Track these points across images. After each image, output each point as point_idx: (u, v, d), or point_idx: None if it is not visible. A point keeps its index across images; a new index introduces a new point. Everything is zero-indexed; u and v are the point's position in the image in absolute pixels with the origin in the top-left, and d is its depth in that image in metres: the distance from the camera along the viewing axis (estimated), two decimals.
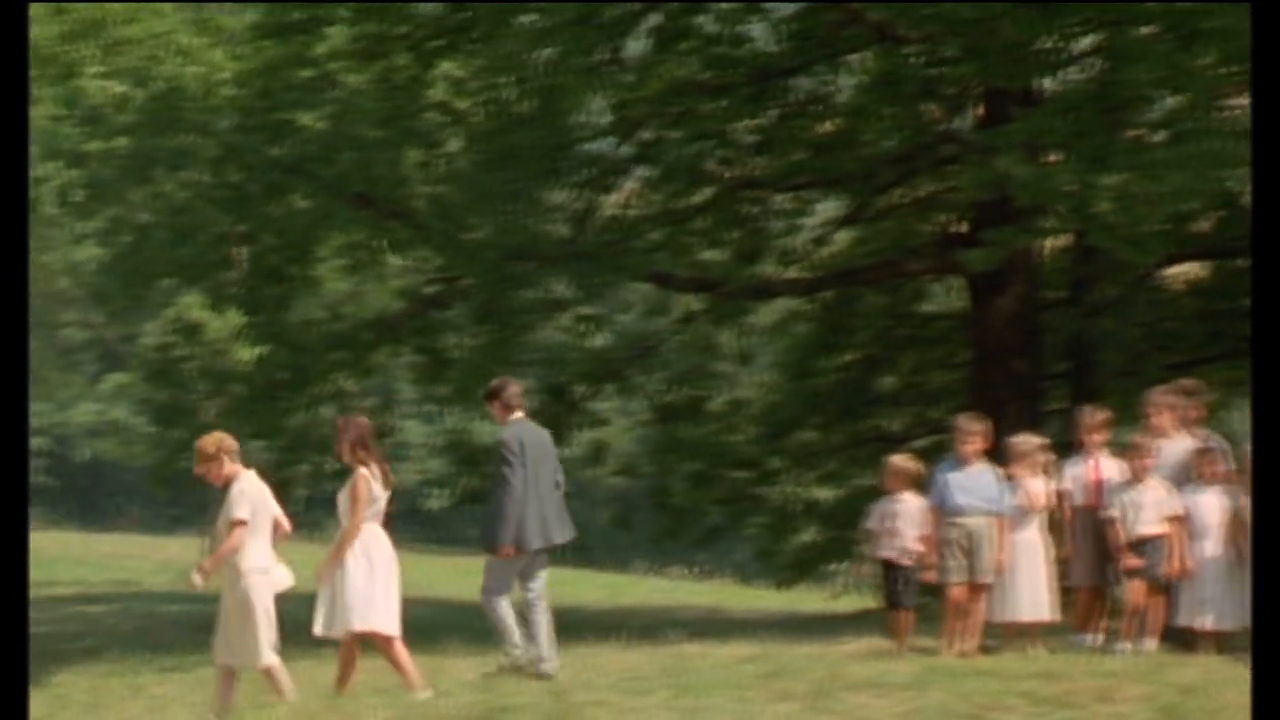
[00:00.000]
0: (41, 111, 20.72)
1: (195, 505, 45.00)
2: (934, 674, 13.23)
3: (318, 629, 13.87)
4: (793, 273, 24.65)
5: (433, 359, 23.18)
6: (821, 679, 13.33)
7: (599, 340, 25.25)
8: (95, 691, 17.47)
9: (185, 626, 23.74)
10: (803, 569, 26.52)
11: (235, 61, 21.27)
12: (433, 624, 22.37)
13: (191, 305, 24.66)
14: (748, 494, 25.85)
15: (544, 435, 14.69)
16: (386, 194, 21.57)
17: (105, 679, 18.18)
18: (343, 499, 13.81)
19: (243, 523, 13.43)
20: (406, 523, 64.74)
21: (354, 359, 22.70)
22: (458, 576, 47.12)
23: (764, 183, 23.74)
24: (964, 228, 22.98)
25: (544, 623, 14.53)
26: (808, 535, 26.45)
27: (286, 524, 13.78)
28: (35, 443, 76.44)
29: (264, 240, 21.91)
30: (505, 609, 14.54)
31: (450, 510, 25.96)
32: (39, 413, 74.14)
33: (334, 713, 14.39)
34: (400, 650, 14.01)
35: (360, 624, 13.73)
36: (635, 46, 22.66)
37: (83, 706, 16.73)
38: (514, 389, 14.51)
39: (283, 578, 13.79)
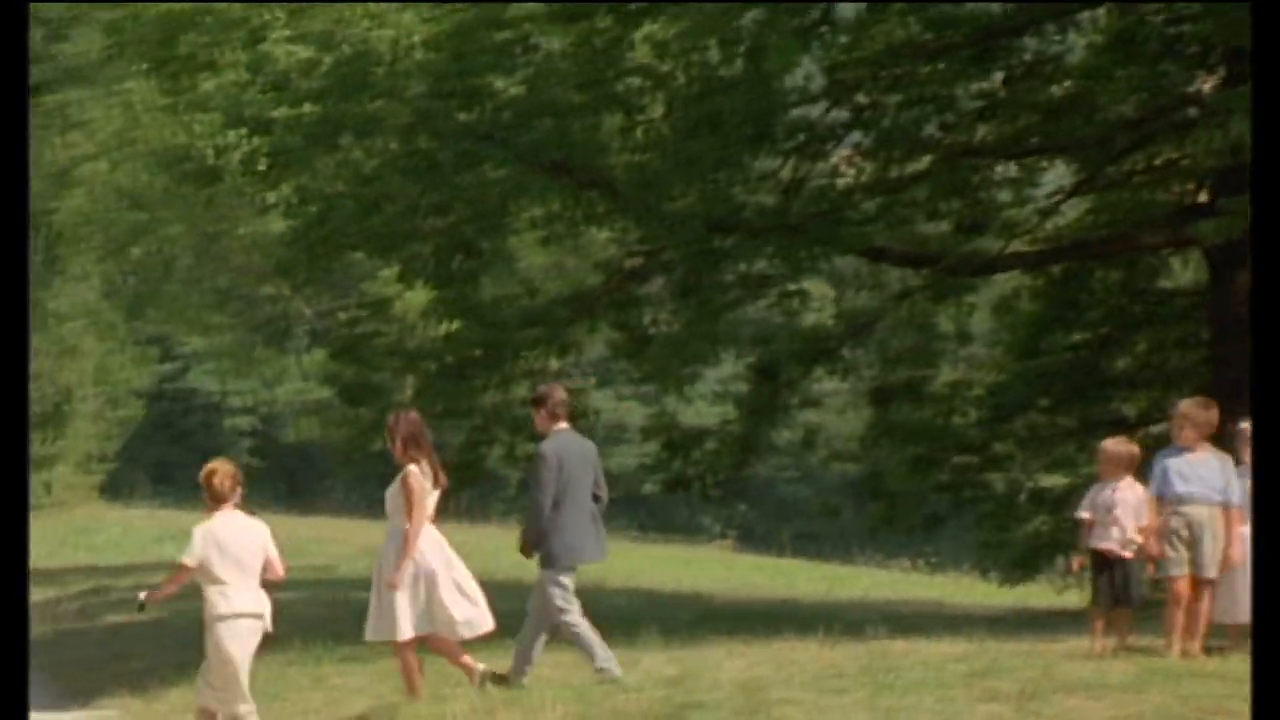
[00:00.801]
0: (227, 78, 21.01)
1: None
2: (1153, 675, 12.98)
3: (373, 635, 14.61)
4: (1018, 246, 24.31)
5: (632, 336, 23.20)
6: (1032, 679, 13.14)
7: (809, 318, 25.13)
8: (276, 681, 17.73)
9: None
10: (1029, 561, 26.17)
11: (426, 24, 21.37)
12: (632, 614, 22.42)
13: (387, 280, 24.89)
14: (970, 480, 25.57)
15: (588, 447, 14.98)
16: (584, 162, 21.59)
17: (286, 668, 18.45)
18: (392, 497, 14.19)
19: (183, 566, 13.88)
20: (625, 509, 65.26)
21: (549, 336, 22.78)
22: (669, 565, 47.28)
23: (987, 150, 23.46)
24: (1203, 197, 22.51)
25: (534, 633, 14.94)
26: (1035, 525, 26.10)
27: (279, 568, 14.19)
28: (241, 422, 77.88)
29: (456, 211, 21.99)
30: (585, 626, 14.94)
31: (670, 496, 26.05)
32: (243, 391, 75.44)
33: (514, 706, 14.53)
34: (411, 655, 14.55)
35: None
36: (848, 6, 22.47)
37: (264, 696, 16.91)
38: (559, 397, 14.83)
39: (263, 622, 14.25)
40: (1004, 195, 24.35)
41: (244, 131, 20.78)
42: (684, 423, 25.25)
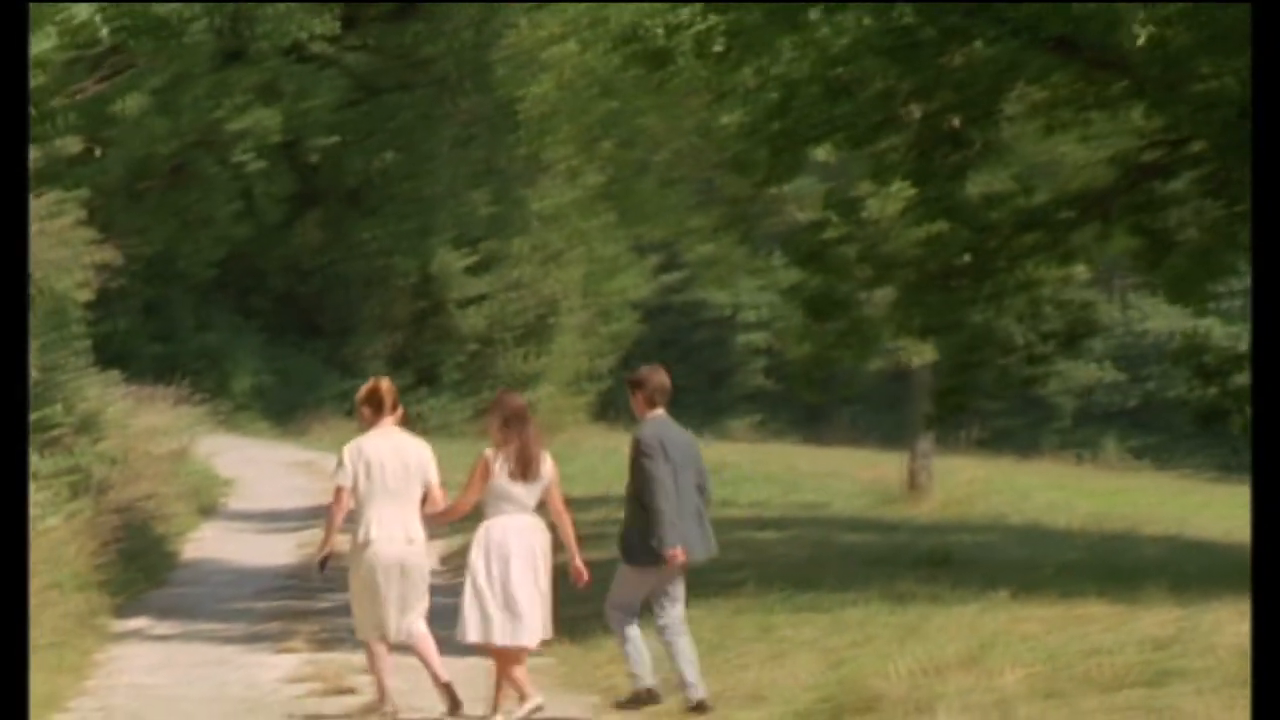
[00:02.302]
0: None
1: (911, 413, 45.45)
2: None
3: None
4: None
5: (1152, 241, 22.74)
6: None
7: None
8: (722, 630, 18.06)
9: (856, 559, 24.19)
10: None
11: None
12: (1151, 566, 22.13)
13: (858, 176, 24.83)
14: None
15: (687, 437, 15.40)
16: (1095, 37, 21.20)
17: (734, 616, 18.76)
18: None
19: (339, 490, 14.60)
20: (1204, 445, 64.05)
21: (1050, 241, 22.49)
22: (1238, 511, 46.29)
23: None
24: None
25: (684, 646, 15.20)
26: None
27: (439, 496, 14.68)
28: (755, 339, 78.57)
29: (940, 96, 21.84)
30: (634, 631, 15.27)
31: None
32: (759, 304, 76.04)
33: (972, 666, 14.64)
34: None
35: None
36: None
37: (706, 646, 17.26)
38: (660, 382, 15.25)
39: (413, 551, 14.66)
40: None
41: (698, 8, 20.98)
42: (1220, 346, 24.52)
